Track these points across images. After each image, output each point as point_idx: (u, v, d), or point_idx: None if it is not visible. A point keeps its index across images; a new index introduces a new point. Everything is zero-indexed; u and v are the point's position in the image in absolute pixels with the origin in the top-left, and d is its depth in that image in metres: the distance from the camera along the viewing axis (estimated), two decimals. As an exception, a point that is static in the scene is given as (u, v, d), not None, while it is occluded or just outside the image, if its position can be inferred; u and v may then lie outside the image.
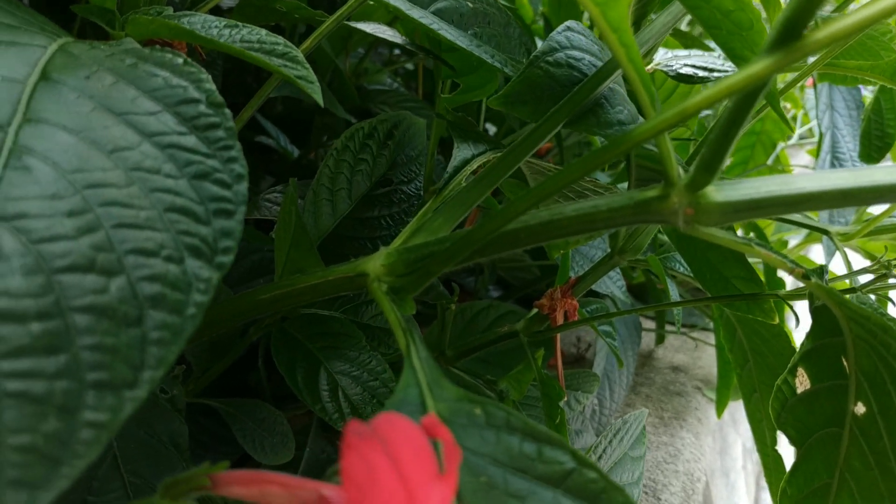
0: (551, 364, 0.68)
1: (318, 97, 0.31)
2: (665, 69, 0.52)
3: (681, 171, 0.26)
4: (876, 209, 0.68)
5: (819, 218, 0.73)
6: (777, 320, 0.44)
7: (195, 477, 0.22)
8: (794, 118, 1.05)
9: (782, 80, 0.53)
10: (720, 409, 0.77)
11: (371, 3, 0.43)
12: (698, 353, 1.01)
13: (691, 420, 0.82)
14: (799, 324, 0.43)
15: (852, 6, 0.47)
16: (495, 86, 0.50)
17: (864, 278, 0.45)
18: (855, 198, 0.24)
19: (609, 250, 0.56)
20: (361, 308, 0.45)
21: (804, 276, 0.28)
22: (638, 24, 0.43)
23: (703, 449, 0.78)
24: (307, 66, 0.32)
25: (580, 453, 0.24)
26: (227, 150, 0.26)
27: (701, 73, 0.51)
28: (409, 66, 1.00)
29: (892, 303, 0.41)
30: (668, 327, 1.00)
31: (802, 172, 0.25)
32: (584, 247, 0.62)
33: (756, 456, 1.15)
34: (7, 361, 0.18)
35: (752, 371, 0.56)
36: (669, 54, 0.55)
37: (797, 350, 0.33)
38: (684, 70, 0.52)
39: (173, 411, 0.37)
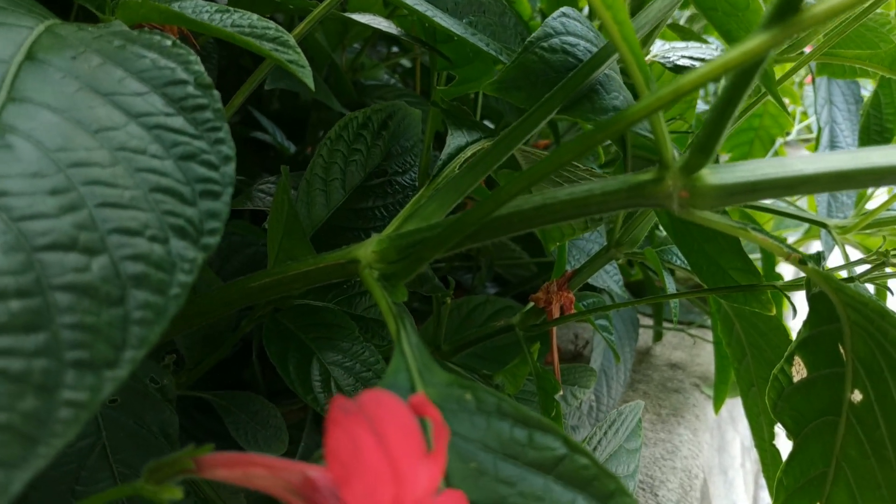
0: (548, 360, 0.68)
1: (310, 81, 0.30)
2: (662, 61, 0.52)
3: (676, 154, 0.25)
4: (873, 203, 0.68)
5: (818, 212, 0.73)
6: (774, 311, 0.43)
7: (179, 460, 0.21)
8: (793, 115, 1.05)
9: (780, 71, 0.52)
10: (718, 405, 0.77)
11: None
12: (696, 350, 1.00)
13: (689, 417, 0.81)
14: (796, 315, 0.43)
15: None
16: (491, 77, 0.49)
17: (863, 273, 0.44)
18: (852, 180, 0.23)
19: (606, 244, 0.55)
20: (355, 299, 0.45)
21: (801, 262, 0.28)
22: (635, 13, 0.43)
23: (700, 446, 0.77)
24: (298, 50, 0.32)
25: (572, 439, 0.23)
26: (215, 132, 0.25)
27: (699, 65, 0.51)
28: (407, 62, 1.00)
29: (890, 292, 0.41)
30: (667, 324, 1.00)
31: (799, 155, 0.25)
32: (580, 240, 0.62)
33: (755, 454, 1.15)
34: (-16, 338, 0.18)
35: (750, 365, 0.55)
36: (667, 46, 0.54)
37: (795, 339, 0.32)
38: (681, 62, 0.51)
39: (163, 401, 0.36)
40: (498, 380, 0.56)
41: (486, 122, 0.92)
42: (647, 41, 0.50)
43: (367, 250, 0.30)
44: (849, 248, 0.56)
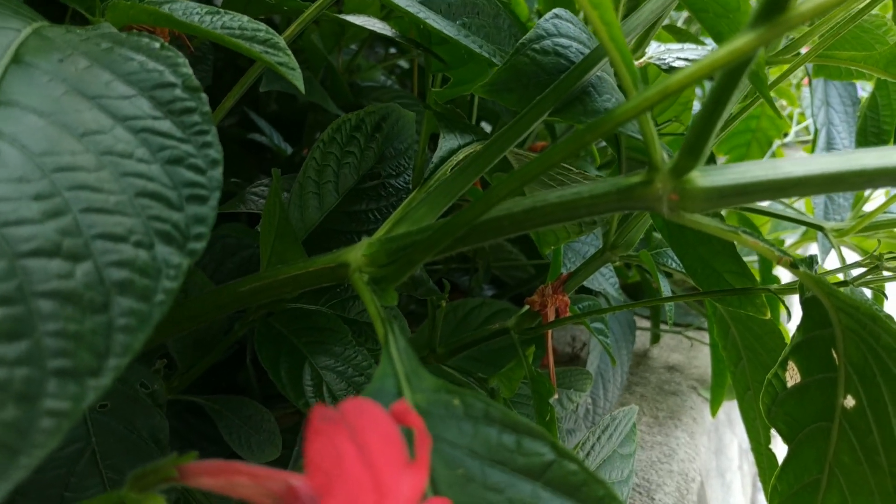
0: (544, 363, 0.68)
1: (300, 84, 0.30)
2: (657, 62, 0.51)
3: (666, 156, 0.25)
4: (871, 206, 0.68)
5: (815, 215, 0.73)
6: (768, 315, 0.43)
7: (163, 468, 0.21)
8: (791, 116, 1.05)
9: (775, 73, 0.52)
10: (714, 408, 0.77)
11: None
12: (694, 352, 1.00)
13: (686, 420, 0.81)
14: (791, 318, 0.43)
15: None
16: (485, 79, 0.49)
17: (858, 277, 0.44)
18: (844, 182, 0.23)
19: (601, 247, 0.55)
20: (348, 303, 0.44)
21: (793, 266, 0.28)
22: (629, 16, 0.43)
23: (698, 449, 0.77)
24: (289, 52, 0.31)
25: (560, 445, 0.23)
26: (203, 135, 0.25)
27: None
28: (405, 64, 1.00)
29: (885, 296, 0.40)
30: (664, 327, 1.00)
31: (791, 157, 0.25)
32: (576, 243, 0.61)
33: (753, 457, 1.15)
34: (-36, 346, 0.18)
35: (746, 369, 0.55)
36: (662, 48, 0.54)
37: (788, 344, 0.32)
38: (676, 63, 0.51)
39: (154, 406, 0.36)
40: (493, 383, 0.56)
41: (484, 125, 0.92)
42: (641, 43, 0.49)
43: (357, 254, 0.30)
44: (846, 251, 0.56)
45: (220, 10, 0.33)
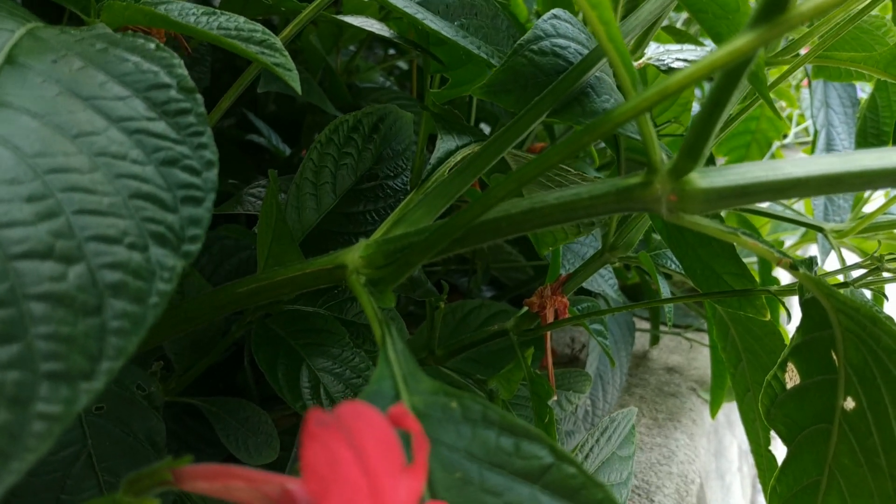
0: (543, 365, 0.67)
1: (296, 85, 0.30)
2: (657, 63, 0.51)
3: (665, 157, 0.25)
4: (870, 207, 0.67)
5: (815, 216, 0.72)
6: (768, 316, 0.43)
7: (158, 471, 0.21)
8: (790, 117, 1.05)
9: (774, 74, 0.52)
10: (714, 410, 0.76)
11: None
12: (693, 353, 1.00)
13: (686, 421, 0.81)
14: (791, 320, 0.42)
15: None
16: (483, 80, 0.49)
17: (858, 278, 0.44)
18: (843, 183, 0.23)
19: (600, 248, 0.55)
20: (346, 304, 0.44)
21: (792, 267, 0.28)
22: (628, 16, 0.42)
23: (697, 450, 0.77)
24: (285, 53, 0.31)
25: (559, 448, 0.23)
26: (198, 136, 0.25)
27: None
28: (404, 65, 0.99)
29: (886, 298, 0.40)
30: (663, 328, 1.00)
31: (790, 158, 0.25)
32: (574, 244, 0.61)
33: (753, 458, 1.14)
34: (-45, 350, 0.18)
35: (746, 370, 0.55)
36: (661, 49, 0.54)
37: (788, 346, 0.32)
38: (676, 64, 0.51)
39: (150, 408, 0.36)
40: (492, 385, 0.56)
41: (483, 126, 0.92)
42: (640, 44, 0.49)
43: (354, 255, 0.30)
44: (846, 252, 0.56)
45: (217, 10, 0.33)
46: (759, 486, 1.21)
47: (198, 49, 0.64)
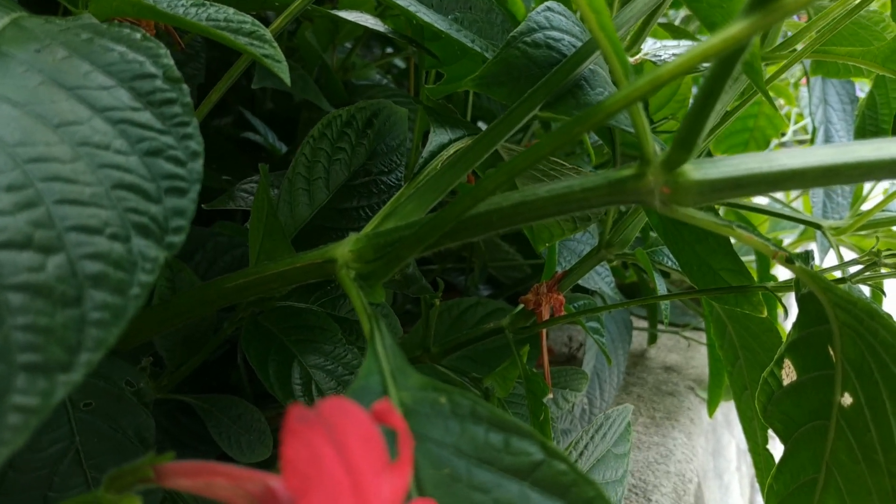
0: (540, 363, 0.67)
1: (286, 76, 0.30)
2: (653, 59, 0.51)
3: (658, 149, 0.25)
4: (869, 205, 0.67)
5: (813, 213, 0.72)
6: (765, 313, 0.42)
7: (139, 468, 0.21)
8: (789, 116, 1.04)
9: (771, 71, 0.51)
10: (711, 409, 0.76)
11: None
12: (691, 352, 1.00)
13: (683, 420, 0.81)
14: (787, 316, 0.42)
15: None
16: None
17: (855, 274, 0.44)
18: (840, 174, 0.23)
19: (597, 245, 0.55)
20: (338, 301, 0.44)
21: (788, 261, 0.27)
22: (622, 8, 0.42)
23: (695, 449, 0.77)
24: (275, 44, 0.31)
25: (550, 444, 0.23)
26: (183, 127, 0.25)
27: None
28: (401, 63, 0.99)
29: (884, 294, 0.40)
30: (661, 327, 0.99)
31: (786, 150, 0.24)
32: (571, 241, 0.61)
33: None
34: (-73, 340, 0.17)
35: (743, 368, 0.55)
36: (658, 44, 0.54)
37: (784, 341, 0.32)
38: (672, 60, 0.50)
39: (139, 405, 0.35)
40: (488, 383, 0.55)
41: (481, 124, 0.92)
42: (637, 39, 0.49)
43: (344, 249, 0.29)
44: (844, 251, 0.56)
45: (206, 2, 0.33)
46: (758, 486, 1.21)
47: (192, 45, 0.63)
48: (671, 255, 0.57)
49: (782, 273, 1.33)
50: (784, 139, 1.01)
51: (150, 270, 0.21)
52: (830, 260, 0.71)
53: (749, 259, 0.92)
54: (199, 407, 0.44)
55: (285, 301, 0.42)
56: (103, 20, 0.29)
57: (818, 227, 0.55)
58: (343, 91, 0.75)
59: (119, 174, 0.23)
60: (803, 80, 1.07)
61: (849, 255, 0.55)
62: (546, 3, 0.35)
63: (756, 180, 0.23)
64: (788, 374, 0.31)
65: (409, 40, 0.49)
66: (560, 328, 0.95)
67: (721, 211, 0.77)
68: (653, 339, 1.00)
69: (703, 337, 1.00)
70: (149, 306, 0.37)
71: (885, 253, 0.38)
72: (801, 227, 1.12)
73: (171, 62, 0.26)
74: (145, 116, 0.24)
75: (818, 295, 0.28)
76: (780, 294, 0.43)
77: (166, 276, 0.40)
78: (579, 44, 0.35)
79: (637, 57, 0.51)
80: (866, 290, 0.52)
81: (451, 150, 0.38)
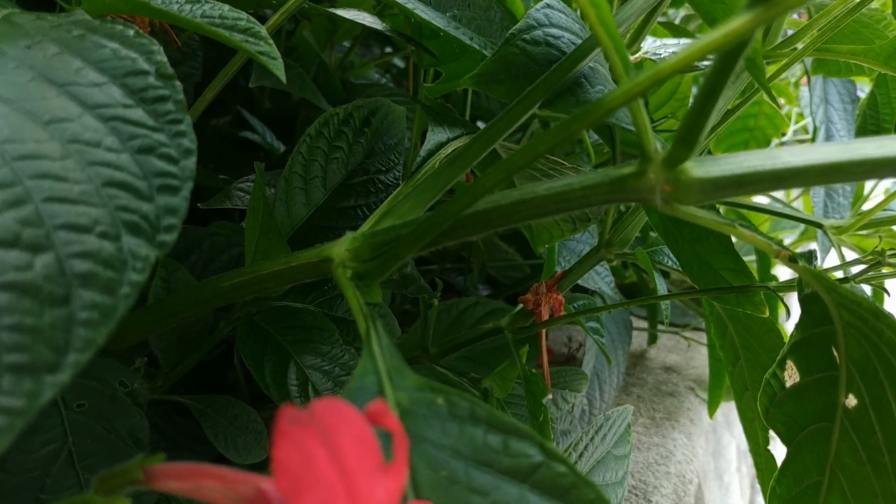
0: (539, 364, 0.66)
1: (281, 73, 0.29)
2: (653, 57, 0.50)
3: (659, 146, 0.24)
4: (870, 205, 0.67)
5: (814, 213, 0.72)
6: (767, 313, 0.42)
7: (129, 470, 0.20)
8: (789, 116, 1.04)
9: (772, 70, 0.51)
10: (712, 409, 0.76)
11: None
12: (691, 353, 0.99)
13: (684, 421, 0.80)
14: (790, 316, 0.42)
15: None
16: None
17: (858, 273, 0.43)
18: (844, 172, 0.22)
19: (596, 245, 0.54)
20: (336, 301, 0.43)
21: (791, 260, 0.27)
22: (623, 5, 0.42)
23: (695, 450, 0.76)
24: (270, 42, 0.30)
25: (549, 446, 0.22)
26: (176, 124, 0.24)
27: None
28: (400, 63, 0.99)
29: (887, 293, 0.39)
30: (661, 327, 0.99)
31: (789, 147, 0.24)
32: (570, 241, 0.60)
33: (751, 458, 1.13)
34: None
35: (744, 368, 0.54)
36: (658, 42, 0.53)
37: (787, 342, 0.31)
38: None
39: (133, 405, 0.35)
40: (487, 383, 0.55)
41: (480, 124, 0.91)
42: (637, 37, 0.48)
43: (340, 248, 0.29)
44: (845, 251, 0.55)
45: (202, -2, 0.32)
46: (758, 487, 1.21)
47: (189, 44, 0.63)
48: (671, 255, 0.56)
49: (783, 273, 1.33)
50: (784, 139, 1.00)
51: (141, 269, 0.21)
52: (831, 260, 0.71)
53: (749, 259, 0.91)
54: (194, 408, 0.44)
55: (282, 301, 0.41)
56: (96, 17, 0.29)
57: (820, 226, 0.54)
58: (341, 90, 0.75)
59: (110, 172, 0.22)
60: (804, 80, 1.07)
61: (850, 255, 0.54)
62: (545, 1, 0.34)
63: (759, 178, 0.23)
64: (791, 376, 0.30)
65: (407, 38, 0.49)
66: (559, 328, 0.94)
67: (721, 210, 0.77)
68: (653, 340, 1.00)
69: (703, 337, 1.00)
70: (143, 306, 0.36)
71: (889, 252, 0.37)
72: (802, 227, 1.12)
73: (164, 59, 0.26)
74: (137, 113, 0.24)
75: (822, 295, 0.27)
76: (781, 294, 0.43)
77: (161, 275, 0.40)
78: (579, 41, 0.34)
79: (637, 55, 0.50)
80: (868, 291, 0.52)
81: (450, 148, 0.38)
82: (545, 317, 0.51)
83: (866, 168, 0.22)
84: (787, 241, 1.12)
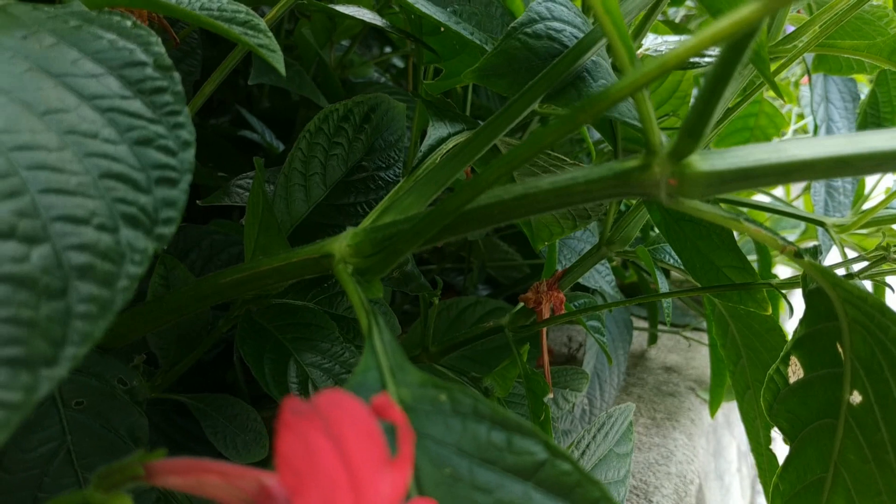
0: (539, 363, 0.66)
1: (281, 66, 0.29)
2: (654, 54, 0.50)
3: (664, 139, 0.24)
4: (869, 205, 0.66)
5: (815, 212, 0.71)
6: (770, 310, 0.42)
7: (130, 466, 0.20)
8: (789, 115, 1.04)
9: (774, 67, 0.51)
10: (713, 409, 0.75)
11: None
12: (692, 353, 0.99)
13: (684, 421, 0.80)
14: (793, 314, 0.41)
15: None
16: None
17: (862, 269, 0.43)
18: (851, 165, 0.22)
19: (597, 243, 0.54)
20: (336, 298, 0.43)
21: (797, 255, 0.27)
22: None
23: (696, 450, 0.76)
24: (270, 34, 0.30)
25: (553, 443, 0.22)
26: (174, 116, 0.24)
27: (693, 58, 0.50)
28: (399, 63, 0.98)
29: (891, 288, 0.39)
30: (661, 327, 0.99)
31: (796, 139, 0.24)
32: (571, 239, 0.60)
33: (752, 459, 1.13)
34: None
35: (746, 368, 0.54)
36: (659, 39, 0.53)
37: (790, 338, 0.31)
38: (674, 54, 0.50)
39: (132, 404, 0.35)
40: (487, 382, 0.54)
41: (479, 122, 0.91)
42: (638, 34, 0.48)
43: (341, 244, 0.29)
44: (846, 249, 0.55)
45: (200, -9, 0.32)
46: (759, 487, 1.20)
47: (188, 42, 0.63)
48: (673, 253, 0.56)
49: (783, 271, 1.33)
50: (784, 138, 1.00)
51: (139, 262, 0.20)
52: (832, 258, 0.71)
53: (750, 257, 0.91)
54: (193, 406, 0.44)
55: (281, 298, 0.41)
56: (94, 9, 0.28)
57: (822, 224, 0.54)
58: (341, 88, 0.74)
59: (107, 163, 0.22)
60: (803, 80, 1.07)
61: (850, 253, 0.54)
62: (547, -6, 0.34)
63: (765, 171, 0.23)
64: (795, 372, 0.30)
65: (407, 35, 0.48)
66: (559, 328, 0.94)
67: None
68: (653, 340, 0.99)
69: (703, 337, 1.00)
70: (142, 303, 0.36)
71: (894, 248, 0.37)
72: (802, 226, 1.11)
73: (162, 50, 0.25)
74: (135, 105, 0.24)
75: (827, 291, 0.27)
76: (784, 290, 0.42)
77: (160, 272, 0.39)
78: (581, 35, 0.34)
79: (639, 52, 0.50)
80: (869, 287, 0.51)
81: (450, 144, 0.38)
82: (546, 315, 0.51)
83: (874, 161, 0.22)
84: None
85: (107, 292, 0.19)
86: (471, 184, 0.25)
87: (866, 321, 0.26)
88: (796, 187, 1.30)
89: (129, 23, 0.26)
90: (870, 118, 0.72)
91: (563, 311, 0.52)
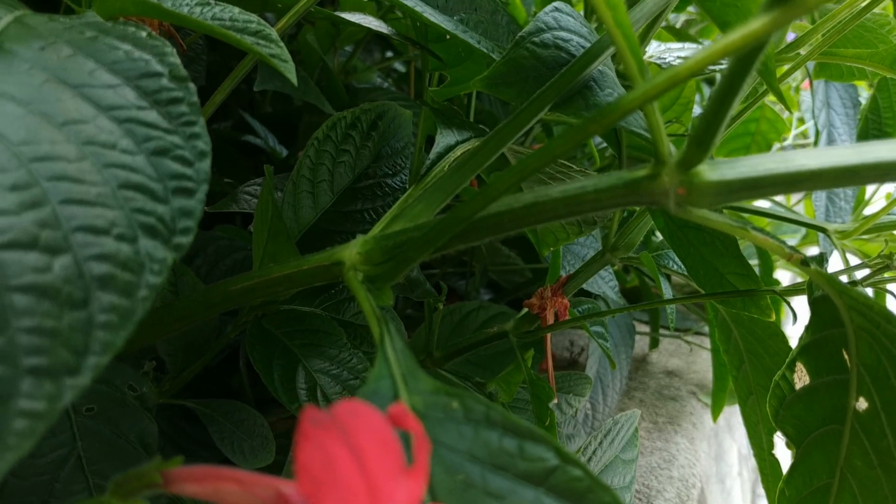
0: (543, 368, 0.66)
1: (292, 76, 0.29)
2: (658, 61, 0.51)
3: (672, 149, 0.24)
4: (869, 210, 0.67)
5: (816, 218, 0.72)
6: (773, 317, 0.42)
7: (146, 473, 0.20)
8: (789, 121, 1.04)
9: (777, 74, 0.51)
10: (716, 413, 0.76)
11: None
12: (693, 357, 0.99)
13: (686, 425, 0.80)
14: (796, 321, 0.42)
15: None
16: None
17: (866, 277, 0.43)
18: (858, 175, 0.22)
19: (601, 249, 0.54)
20: (343, 304, 0.43)
21: (803, 263, 0.27)
22: (632, 8, 0.42)
23: (697, 454, 0.76)
24: (281, 44, 0.30)
25: (564, 449, 0.22)
26: (190, 126, 0.24)
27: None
28: (401, 68, 0.99)
29: (892, 295, 0.39)
30: (663, 332, 0.99)
31: (803, 150, 0.24)
32: (575, 245, 0.60)
33: (753, 462, 1.14)
34: (-68, 343, 0.17)
35: (748, 373, 0.54)
36: (662, 47, 0.53)
37: (796, 345, 0.31)
38: (677, 63, 0.50)
39: (142, 410, 0.35)
40: (491, 387, 0.55)
41: (485, 129, 0.91)
42: (642, 41, 0.49)
43: (351, 252, 0.29)
44: (848, 255, 0.55)
45: (211, 1, 0.32)
46: (760, 491, 1.21)
47: (193, 48, 0.63)
48: (676, 259, 0.56)
49: (783, 277, 1.33)
50: (785, 143, 1.01)
51: (158, 272, 0.21)
52: (834, 263, 0.71)
53: (752, 263, 0.91)
54: (201, 412, 0.44)
55: (289, 305, 0.41)
56: (108, 19, 0.29)
57: (823, 230, 0.54)
58: (344, 94, 0.75)
59: (125, 174, 0.22)
60: (804, 85, 1.07)
61: (853, 259, 0.54)
62: (554, 4, 0.34)
63: (774, 181, 0.23)
64: (801, 378, 0.30)
65: (412, 42, 0.49)
66: (561, 333, 0.94)
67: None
68: (654, 344, 1.00)
69: (704, 341, 1.00)
70: (152, 309, 0.36)
71: (896, 256, 0.38)
72: (802, 231, 1.12)
73: (178, 61, 0.26)
74: (152, 115, 0.24)
75: (833, 299, 0.27)
76: (787, 297, 0.43)
77: (170, 279, 0.40)
78: (587, 45, 0.34)
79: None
80: (871, 294, 0.52)
81: (458, 151, 0.38)
82: (550, 321, 0.51)
83: (881, 171, 0.22)
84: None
85: (127, 302, 0.20)
86: (482, 193, 0.25)
87: (872, 328, 0.27)
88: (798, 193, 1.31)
89: (144, 34, 0.26)
90: (871, 124, 0.73)
91: (567, 317, 0.52)
